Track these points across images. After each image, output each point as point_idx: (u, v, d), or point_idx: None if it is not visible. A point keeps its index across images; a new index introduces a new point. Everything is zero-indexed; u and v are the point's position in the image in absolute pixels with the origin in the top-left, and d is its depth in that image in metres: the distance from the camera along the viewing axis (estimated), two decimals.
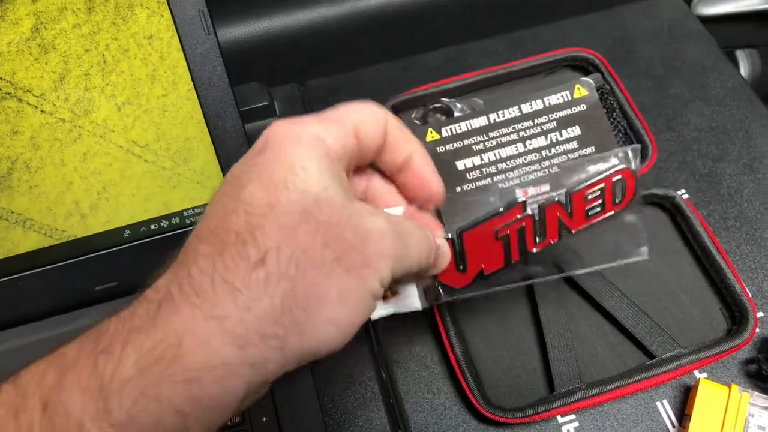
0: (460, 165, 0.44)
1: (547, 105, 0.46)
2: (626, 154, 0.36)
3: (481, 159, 0.44)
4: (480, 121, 0.46)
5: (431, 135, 0.45)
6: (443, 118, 0.53)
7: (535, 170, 0.44)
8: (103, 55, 0.40)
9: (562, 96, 0.47)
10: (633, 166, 0.36)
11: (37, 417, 0.21)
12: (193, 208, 0.45)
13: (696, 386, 0.40)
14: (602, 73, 0.54)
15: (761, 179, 0.50)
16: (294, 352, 0.24)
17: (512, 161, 0.45)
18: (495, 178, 0.44)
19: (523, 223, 0.35)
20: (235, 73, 0.45)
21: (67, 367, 0.22)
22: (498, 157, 0.44)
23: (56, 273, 0.44)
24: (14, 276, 0.43)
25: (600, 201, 0.36)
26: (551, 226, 0.36)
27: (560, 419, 0.41)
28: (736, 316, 0.43)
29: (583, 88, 0.47)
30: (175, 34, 0.41)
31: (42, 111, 0.40)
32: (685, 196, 0.50)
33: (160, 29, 0.41)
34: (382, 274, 0.26)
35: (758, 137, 0.53)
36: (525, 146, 0.45)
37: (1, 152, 0.40)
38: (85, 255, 0.44)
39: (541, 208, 0.36)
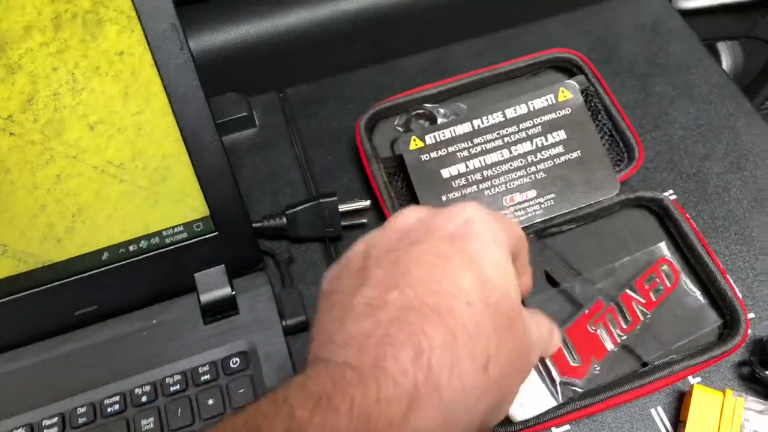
0: (445, 173, 0.43)
1: (531, 109, 0.46)
2: (660, 247, 0.44)
3: (467, 166, 0.44)
4: (464, 128, 0.45)
5: (415, 143, 0.44)
6: (427, 124, 0.52)
7: (521, 176, 0.43)
8: (73, 73, 0.39)
9: (547, 100, 0.46)
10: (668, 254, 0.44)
11: None
12: (172, 227, 0.44)
13: (690, 392, 0.39)
14: (586, 75, 0.53)
15: (748, 177, 0.50)
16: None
17: (498, 168, 0.44)
18: (481, 186, 0.43)
19: (609, 312, 0.41)
20: (212, 83, 0.43)
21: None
22: (483, 164, 0.44)
23: (34, 299, 0.42)
24: None
25: (657, 284, 0.43)
26: (631, 311, 0.42)
27: (555, 430, 0.41)
28: (728, 319, 0.42)
29: (567, 91, 0.46)
30: (147, 49, 0.39)
31: (11, 133, 0.39)
32: (673, 197, 0.49)
33: (132, 45, 0.39)
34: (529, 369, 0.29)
35: (744, 134, 0.52)
36: (510, 152, 0.44)
37: None
38: (63, 279, 0.43)
39: (616, 297, 0.42)
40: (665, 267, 0.44)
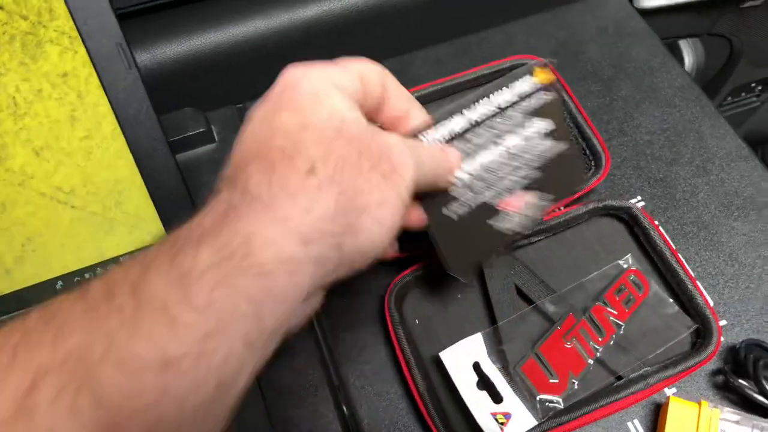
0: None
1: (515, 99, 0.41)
2: (627, 259, 0.45)
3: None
4: (459, 123, 0.37)
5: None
6: None
7: (519, 177, 0.39)
8: (14, 97, 0.37)
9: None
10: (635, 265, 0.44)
11: (127, 300, 0.22)
12: (129, 253, 0.42)
13: (666, 404, 0.39)
14: None
15: (714, 181, 0.49)
16: (349, 252, 0.28)
17: (493, 169, 0.38)
18: (486, 194, 0.38)
19: (582, 326, 0.41)
20: (167, 98, 0.42)
21: (149, 262, 0.24)
22: (480, 167, 0.38)
23: None
24: None
25: (628, 294, 0.43)
26: (603, 322, 0.41)
27: None
28: (700, 329, 0.42)
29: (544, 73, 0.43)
30: (93, 70, 0.38)
31: None
32: (641, 204, 0.49)
33: (75, 66, 0.37)
34: (407, 181, 0.30)
35: (708, 137, 0.52)
36: (502, 148, 0.39)
37: None
38: (15, 312, 0.41)
39: (587, 310, 0.42)
40: (633, 277, 0.43)
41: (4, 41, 0.36)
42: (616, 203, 0.47)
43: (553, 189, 0.41)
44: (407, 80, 0.56)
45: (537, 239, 0.47)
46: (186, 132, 0.52)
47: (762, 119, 0.98)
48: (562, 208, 0.47)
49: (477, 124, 0.38)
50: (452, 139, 0.36)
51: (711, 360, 0.41)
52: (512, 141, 0.39)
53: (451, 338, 0.42)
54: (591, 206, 0.47)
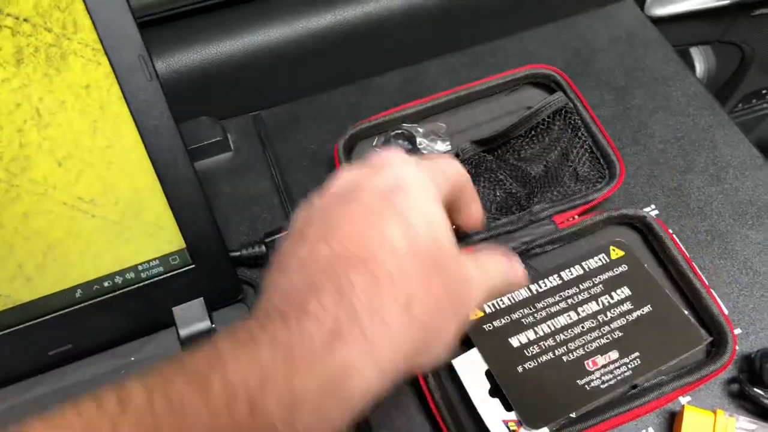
0: (515, 342, 0.41)
1: (587, 270, 0.44)
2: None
3: (535, 333, 0.41)
4: (522, 294, 0.43)
5: (474, 313, 0.43)
6: (407, 144, 0.52)
7: (597, 338, 0.41)
8: (38, 108, 0.37)
9: (600, 260, 0.45)
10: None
11: (245, 416, 0.22)
12: (148, 262, 0.42)
13: (681, 413, 0.39)
14: (564, 90, 0.53)
15: (728, 190, 0.50)
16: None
17: (569, 331, 0.42)
18: (557, 351, 0.41)
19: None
20: (183, 107, 0.42)
21: (266, 375, 0.23)
22: (553, 329, 0.42)
23: (4, 340, 0.41)
24: None
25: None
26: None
27: None
28: (715, 338, 0.42)
29: (618, 249, 0.45)
30: (115, 82, 0.38)
31: None
32: (655, 212, 0.49)
33: (98, 78, 0.38)
34: (468, 314, 0.30)
35: (722, 146, 0.52)
36: (578, 314, 0.42)
37: None
38: (35, 319, 0.41)
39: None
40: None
41: (28, 53, 0.37)
42: (630, 212, 0.47)
43: (645, 352, 0.41)
44: (423, 88, 0.57)
45: (552, 248, 0.47)
46: (202, 141, 0.53)
47: None
48: (576, 217, 0.47)
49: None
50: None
51: (726, 369, 0.41)
52: (590, 308, 0.43)
53: (465, 345, 0.42)
54: (606, 215, 0.47)
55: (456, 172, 0.32)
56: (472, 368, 0.41)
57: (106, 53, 0.38)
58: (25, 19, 0.36)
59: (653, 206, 0.49)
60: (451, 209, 0.33)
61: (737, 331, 0.43)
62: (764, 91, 0.93)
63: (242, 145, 0.55)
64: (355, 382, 0.24)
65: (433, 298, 0.27)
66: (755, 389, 0.39)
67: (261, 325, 0.24)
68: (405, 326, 0.25)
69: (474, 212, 0.35)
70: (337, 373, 0.24)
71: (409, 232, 0.27)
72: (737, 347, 0.42)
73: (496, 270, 0.32)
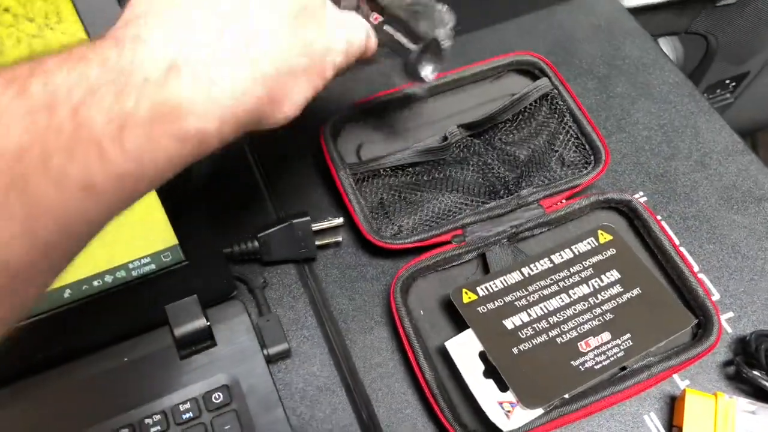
0: (509, 324, 0.41)
1: (576, 253, 0.44)
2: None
3: (529, 315, 0.42)
4: (515, 277, 0.43)
5: (467, 296, 0.42)
6: None
7: (589, 319, 0.41)
8: None
9: (588, 243, 0.45)
10: None
11: (67, 122, 0.22)
12: (139, 259, 0.41)
13: (682, 396, 0.39)
14: (549, 77, 0.53)
15: (713, 175, 0.50)
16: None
17: (562, 313, 0.42)
18: (551, 333, 0.41)
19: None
20: None
21: (93, 90, 0.23)
22: (546, 311, 0.42)
23: None
24: None
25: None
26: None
27: None
28: (701, 319, 0.43)
29: (606, 233, 0.45)
30: None
31: None
32: (643, 199, 0.50)
33: None
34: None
35: (705, 132, 0.53)
36: (570, 296, 0.42)
37: None
38: (23, 321, 0.40)
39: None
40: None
41: (10, 44, 0.35)
42: (616, 196, 0.47)
43: (636, 333, 0.41)
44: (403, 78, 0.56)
45: (540, 231, 0.47)
46: None
47: (736, 115, 1.01)
48: (564, 201, 0.47)
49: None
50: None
51: (718, 350, 0.42)
52: (581, 290, 0.43)
53: (457, 328, 0.42)
54: (592, 199, 0.47)
55: None
56: (464, 350, 0.41)
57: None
58: (5, 9, 0.35)
59: (641, 193, 0.50)
60: None
61: (730, 315, 0.44)
62: (727, 81, 0.95)
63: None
64: (191, 121, 0.25)
65: (287, 53, 0.28)
66: (753, 372, 0.40)
67: (93, 46, 0.24)
68: (249, 79, 0.26)
69: None
70: (170, 107, 0.24)
71: None
72: (730, 330, 0.43)
73: (359, 35, 0.34)
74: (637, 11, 0.72)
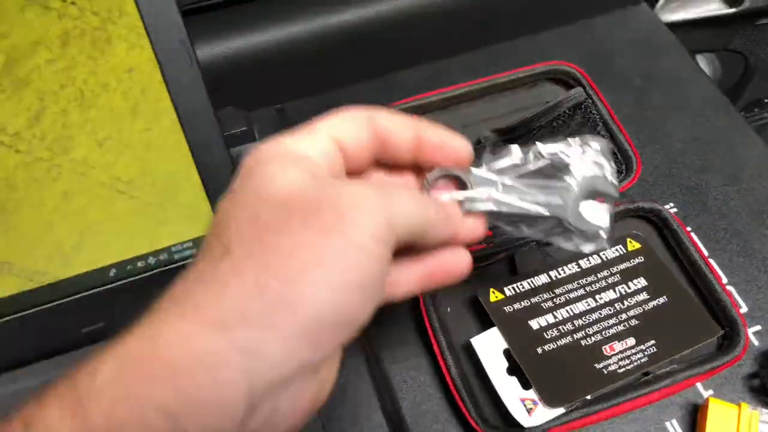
0: (534, 324, 0.42)
1: (604, 260, 0.45)
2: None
3: (554, 317, 0.43)
4: (542, 279, 0.44)
5: (494, 295, 0.44)
6: None
7: (615, 324, 0.42)
8: (81, 90, 0.38)
9: (617, 250, 0.46)
10: None
11: None
12: (181, 243, 0.43)
13: (705, 405, 0.40)
14: (584, 86, 0.54)
15: (746, 189, 0.51)
16: (291, 329, 0.22)
17: (588, 317, 0.43)
18: (575, 336, 0.42)
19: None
20: (211, 97, 0.43)
21: (48, 388, 0.22)
22: (572, 314, 0.43)
23: (39, 316, 0.41)
24: None
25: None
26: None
27: None
28: (727, 330, 0.43)
29: (635, 242, 0.46)
30: (157, 66, 0.39)
31: (17, 150, 0.38)
32: (674, 210, 0.50)
33: (141, 62, 0.39)
34: (367, 228, 0.24)
35: (739, 147, 0.53)
36: (596, 301, 0.43)
37: None
38: (70, 297, 0.42)
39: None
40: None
41: (74, 36, 0.37)
42: (646, 205, 0.48)
43: (661, 340, 0.42)
44: (441, 85, 0.58)
45: None
46: (228, 130, 0.54)
47: None
48: None
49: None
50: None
51: (744, 362, 0.42)
52: (607, 296, 0.44)
53: (482, 326, 0.43)
54: (622, 207, 0.48)
55: (330, 125, 0.29)
56: (489, 347, 0.42)
57: (149, 38, 0.38)
58: (72, 3, 0.37)
59: (672, 204, 0.50)
60: (385, 150, 0.30)
61: (757, 328, 0.44)
62: (766, 100, 0.94)
63: (266, 136, 0.55)
64: (170, 345, 0.22)
65: (262, 227, 0.24)
66: None
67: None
68: (227, 269, 0.23)
69: (406, 142, 0.30)
70: (139, 345, 0.22)
71: (235, 201, 0.25)
72: (756, 343, 0.43)
73: (406, 193, 0.27)
74: (675, 26, 0.73)
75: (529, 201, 0.32)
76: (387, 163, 0.32)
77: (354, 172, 0.30)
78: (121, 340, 0.22)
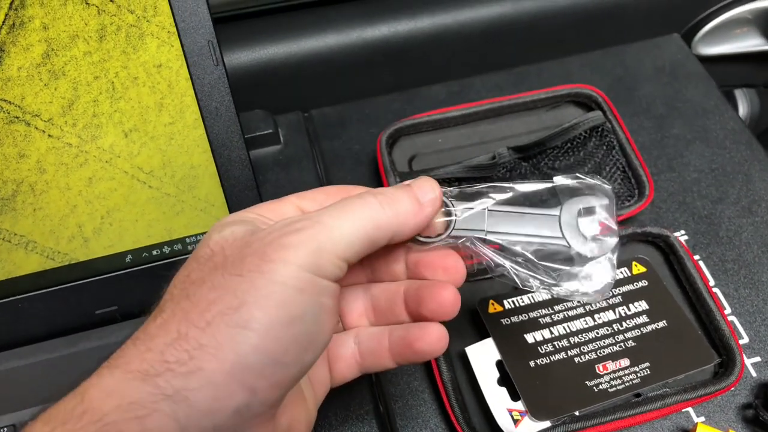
0: (530, 338, 0.43)
1: None
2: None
3: (551, 332, 0.43)
4: (542, 295, 0.45)
5: (493, 307, 0.45)
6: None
7: (611, 344, 0.43)
8: (113, 82, 0.41)
9: (621, 273, 0.47)
10: None
11: None
12: (195, 235, 0.45)
13: (693, 430, 0.40)
14: (603, 111, 0.55)
15: (759, 222, 0.51)
16: (215, 374, 0.23)
17: (584, 335, 0.44)
18: (569, 352, 0.43)
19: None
20: (240, 99, 0.45)
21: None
22: (568, 331, 0.44)
23: (57, 295, 0.44)
24: (15, 297, 0.43)
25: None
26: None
27: None
28: (723, 359, 0.43)
29: (640, 265, 0.47)
30: (185, 63, 0.41)
31: (49, 135, 0.41)
32: (684, 238, 0.50)
33: (170, 59, 0.41)
34: (292, 259, 0.24)
35: (757, 180, 0.53)
36: (594, 320, 0.44)
37: (7, 175, 0.41)
38: (87, 279, 0.44)
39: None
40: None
41: (111, 31, 0.40)
42: (654, 230, 0.48)
43: (655, 363, 0.42)
44: (466, 100, 0.59)
45: None
46: (254, 131, 0.56)
47: None
48: None
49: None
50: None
51: (739, 392, 0.42)
52: (606, 316, 0.44)
53: (479, 336, 0.44)
54: (631, 230, 0.48)
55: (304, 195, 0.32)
56: (483, 357, 0.42)
57: (180, 36, 0.41)
58: (111, 0, 0.40)
59: (683, 231, 0.50)
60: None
61: (757, 359, 0.44)
62: None
63: (291, 140, 0.58)
64: (100, 400, 0.23)
65: (190, 283, 0.26)
66: None
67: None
68: (157, 326, 0.25)
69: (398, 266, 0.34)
70: (71, 404, 0.23)
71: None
72: (756, 374, 0.43)
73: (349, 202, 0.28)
74: (711, 60, 0.73)
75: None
76: None
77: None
78: (56, 404, 0.24)
